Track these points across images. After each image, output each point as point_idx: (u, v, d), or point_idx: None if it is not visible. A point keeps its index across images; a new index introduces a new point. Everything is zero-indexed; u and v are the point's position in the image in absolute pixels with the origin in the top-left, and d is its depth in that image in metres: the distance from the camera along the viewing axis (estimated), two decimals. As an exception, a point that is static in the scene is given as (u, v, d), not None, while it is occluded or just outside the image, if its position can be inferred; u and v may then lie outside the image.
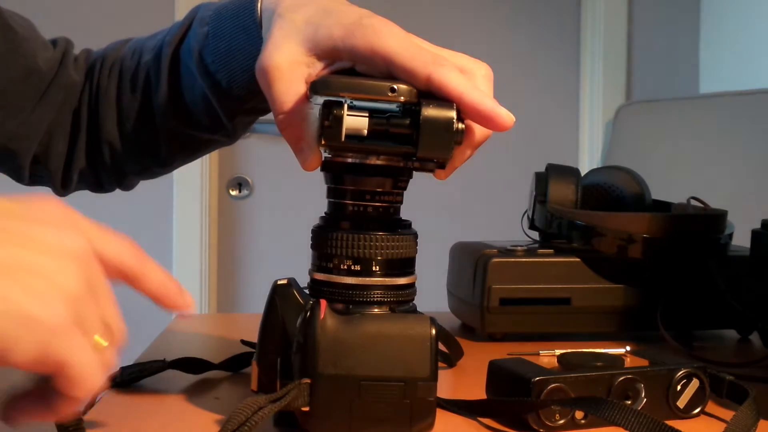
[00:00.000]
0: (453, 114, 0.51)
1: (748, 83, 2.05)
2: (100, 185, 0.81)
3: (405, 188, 0.56)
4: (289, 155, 0.57)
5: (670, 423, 0.52)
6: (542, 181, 0.92)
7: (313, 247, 0.56)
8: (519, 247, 0.87)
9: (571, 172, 0.93)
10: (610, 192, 0.96)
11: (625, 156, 2.13)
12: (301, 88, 0.55)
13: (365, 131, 0.51)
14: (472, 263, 0.87)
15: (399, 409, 0.50)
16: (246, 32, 0.63)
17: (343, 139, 0.51)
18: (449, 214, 2.35)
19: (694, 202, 0.94)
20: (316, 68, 0.55)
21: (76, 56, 0.79)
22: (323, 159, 0.55)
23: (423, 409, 0.51)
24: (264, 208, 2.38)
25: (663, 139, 2.08)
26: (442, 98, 0.52)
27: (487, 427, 0.58)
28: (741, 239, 0.89)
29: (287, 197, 2.34)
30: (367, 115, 0.51)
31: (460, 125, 0.51)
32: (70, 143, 0.77)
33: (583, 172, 0.95)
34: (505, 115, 0.52)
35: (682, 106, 2.10)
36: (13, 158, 0.76)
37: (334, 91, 0.52)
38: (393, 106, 0.52)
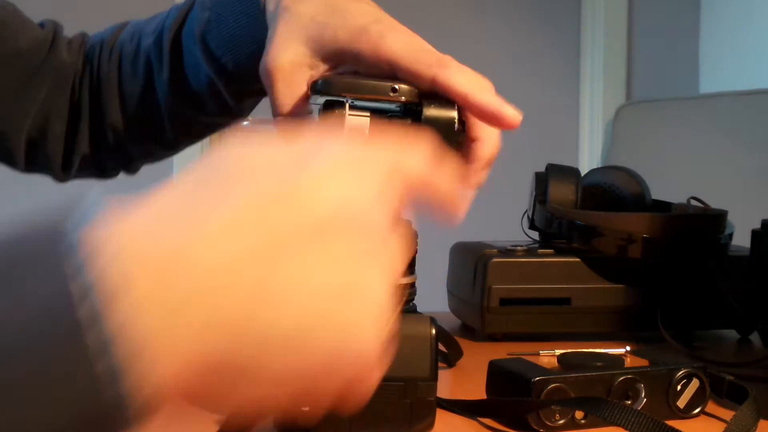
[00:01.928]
0: (454, 114, 0.51)
1: (748, 83, 2.05)
2: (102, 170, 0.80)
3: (405, 188, 0.56)
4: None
5: (670, 423, 0.52)
6: (542, 181, 0.92)
7: (313, 246, 0.56)
8: (519, 247, 0.87)
9: (571, 172, 0.93)
10: (610, 192, 0.95)
11: (625, 156, 2.13)
12: (302, 90, 0.55)
13: (367, 131, 0.51)
14: (472, 263, 0.87)
15: (399, 409, 0.50)
16: (249, 17, 0.62)
17: (344, 139, 0.51)
18: (449, 213, 2.34)
19: (694, 202, 0.94)
20: (319, 70, 0.55)
21: (69, 39, 0.78)
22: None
23: (423, 409, 0.51)
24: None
25: (663, 139, 2.08)
26: (445, 99, 0.52)
27: (487, 427, 0.59)
28: (741, 239, 0.89)
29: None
30: (368, 115, 0.51)
31: (461, 126, 0.51)
32: (72, 129, 0.76)
33: (583, 172, 0.95)
34: (511, 114, 0.52)
35: (682, 106, 2.10)
36: (2, 140, 0.75)
37: (335, 91, 0.52)
38: (394, 106, 0.52)
